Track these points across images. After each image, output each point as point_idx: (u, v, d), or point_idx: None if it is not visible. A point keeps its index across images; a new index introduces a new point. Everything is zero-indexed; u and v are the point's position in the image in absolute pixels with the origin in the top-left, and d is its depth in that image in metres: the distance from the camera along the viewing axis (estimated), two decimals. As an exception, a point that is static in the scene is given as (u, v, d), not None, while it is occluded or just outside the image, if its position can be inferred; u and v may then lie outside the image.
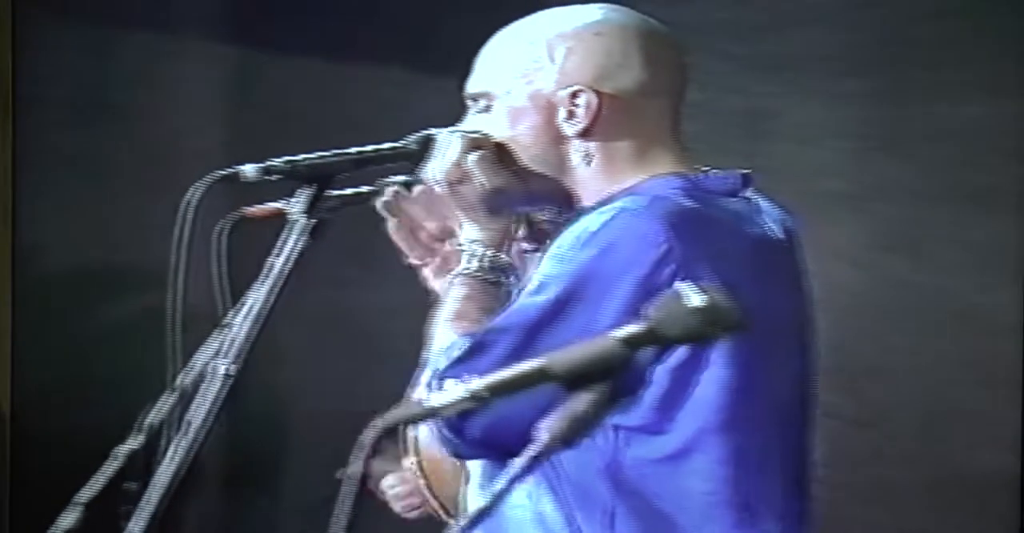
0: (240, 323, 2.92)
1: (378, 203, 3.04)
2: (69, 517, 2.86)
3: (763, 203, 3.05)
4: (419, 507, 3.24)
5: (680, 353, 2.73)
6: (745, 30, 4.86)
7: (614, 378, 2.41)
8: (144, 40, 5.23)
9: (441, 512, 3.15)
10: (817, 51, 4.96)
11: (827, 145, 4.88)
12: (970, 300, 4.92)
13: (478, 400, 2.40)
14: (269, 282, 2.93)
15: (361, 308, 4.45)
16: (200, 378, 2.91)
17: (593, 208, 2.97)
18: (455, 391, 2.43)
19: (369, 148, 3.03)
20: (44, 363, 5.53)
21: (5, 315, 5.56)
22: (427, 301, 3.06)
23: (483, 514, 2.38)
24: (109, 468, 2.88)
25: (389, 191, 3.03)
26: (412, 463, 3.19)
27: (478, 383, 2.40)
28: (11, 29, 5.16)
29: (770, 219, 3.04)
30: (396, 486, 3.24)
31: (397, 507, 3.24)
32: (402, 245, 3.07)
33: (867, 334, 4.53)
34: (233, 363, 2.89)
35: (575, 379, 2.40)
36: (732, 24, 4.79)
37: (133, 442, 2.88)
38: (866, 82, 4.95)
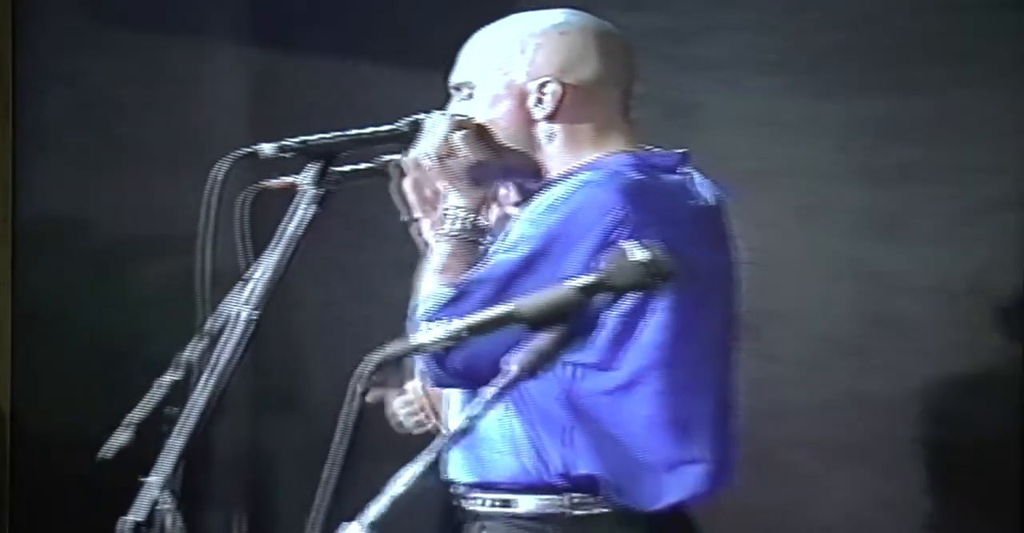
0: (260, 277, 2.91)
1: (404, 160, 3.02)
2: (123, 435, 2.84)
3: (697, 177, 3.05)
4: (426, 424, 3.22)
5: (627, 301, 2.72)
6: (681, 35, 4.85)
7: (571, 321, 2.42)
8: (159, 39, 5.08)
9: (442, 428, 3.13)
10: (739, 53, 4.96)
11: (746, 131, 4.88)
12: (863, 258, 4.94)
13: (458, 338, 2.41)
14: (284, 242, 2.93)
15: (368, 265, 4.45)
16: (227, 323, 2.88)
17: (558, 180, 2.98)
18: (439, 330, 2.43)
19: (368, 129, 3.03)
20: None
21: (5, 315, 5.12)
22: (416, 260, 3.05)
23: (463, 433, 2.38)
24: (154, 396, 2.85)
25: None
26: (418, 386, 3.18)
27: (459, 324, 2.41)
28: (11, 29, 4.92)
29: (704, 190, 3.04)
30: (405, 406, 3.22)
31: (408, 424, 3.22)
32: (412, 198, 3.04)
33: (779, 286, 4.54)
34: (255, 310, 2.88)
35: (539, 321, 2.41)
36: (671, 30, 4.78)
37: (173, 374, 2.86)
38: (779, 79, 4.95)
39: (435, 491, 2.99)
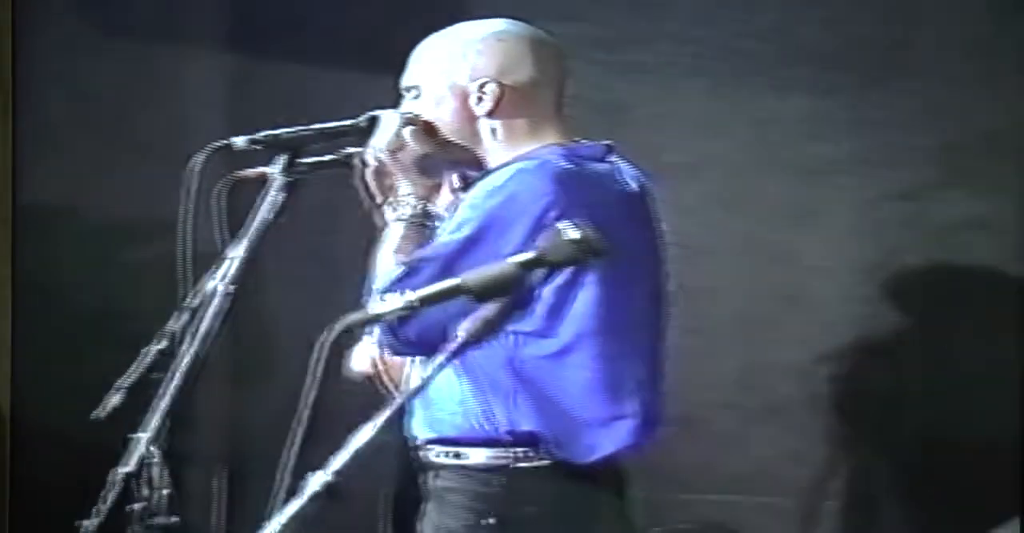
0: (235, 256, 2.90)
1: (364, 152, 3.01)
2: (115, 397, 2.82)
3: (623, 166, 3.06)
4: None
5: (562, 275, 2.74)
6: (611, 43, 4.85)
7: (513, 293, 2.43)
8: (146, 44, 4.97)
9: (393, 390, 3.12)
10: (664, 59, 4.95)
11: (670, 128, 4.88)
12: (777, 242, 4.95)
13: (411, 308, 2.43)
14: (256, 226, 2.92)
15: (333, 245, 4.43)
16: (206, 298, 2.87)
17: (497, 169, 2.99)
18: (395, 301, 2.44)
19: (331, 124, 3.02)
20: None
21: (5, 315, 4.87)
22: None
23: (416, 392, 2.40)
24: (142, 363, 2.83)
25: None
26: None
27: (412, 295, 2.44)
28: (11, 30, 4.79)
29: (629, 178, 3.05)
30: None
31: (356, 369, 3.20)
32: (373, 185, 3.04)
33: (701, 266, 4.54)
34: (231, 285, 2.87)
35: (484, 293, 2.42)
36: (602, 39, 4.78)
37: (159, 344, 2.85)
38: (700, 82, 4.95)
39: (397, 445, 3.02)
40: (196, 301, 2.88)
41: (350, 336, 2.65)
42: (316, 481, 2.26)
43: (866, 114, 4.95)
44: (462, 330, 2.40)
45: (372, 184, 3.02)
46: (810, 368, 4.91)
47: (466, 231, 2.86)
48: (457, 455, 2.95)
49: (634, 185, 3.04)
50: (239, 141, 2.94)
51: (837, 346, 4.99)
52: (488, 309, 2.40)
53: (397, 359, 3.01)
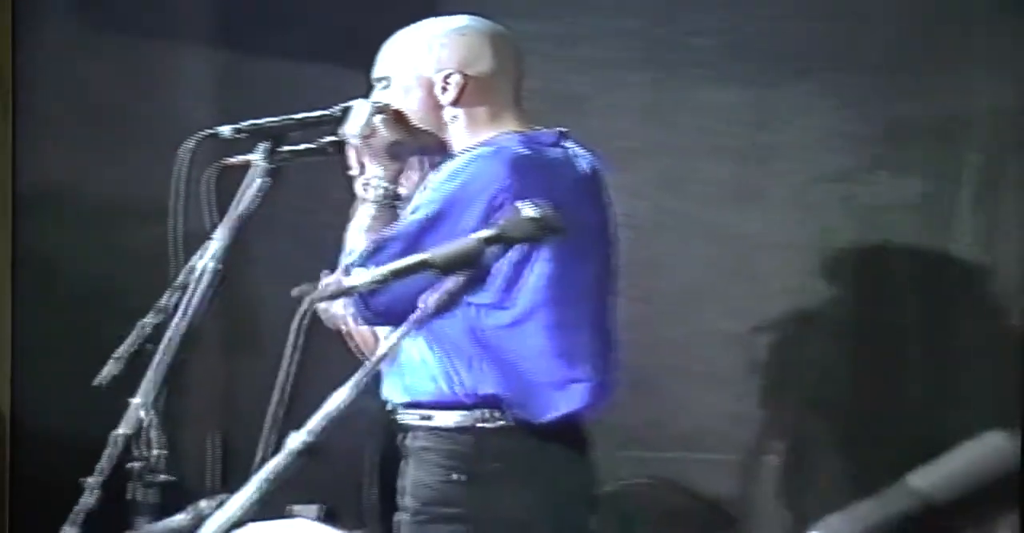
0: (222, 236, 2.90)
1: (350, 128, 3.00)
2: (113, 366, 2.83)
3: (577, 151, 3.06)
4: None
5: (518, 251, 2.74)
6: (568, 39, 4.84)
7: (474, 267, 2.44)
8: (142, 40, 4.90)
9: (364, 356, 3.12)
10: (617, 54, 4.95)
11: (622, 117, 4.87)
12: (722, 220, 4.95)
13: (382, 281, 2.43)
14: (241, 208, 2.92)
15: (314, 226, 4.42)
16: (196, 274, 2.87)
17: (459, 154, 3.00)
18: (366, 275, 2.46)
19: (308, 114, 3.01)
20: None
21: (5, 315, 4.64)
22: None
23: (383, 357, 2.40)
24: (138, 336, 2.83)
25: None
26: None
27: (382, 269, 2.45)
28: (11, 30, 4.67)
29: (582, 161, 3.06)
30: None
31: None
32: (352, 161, 3.03)
33: (651, 243, 4.55)
34: (219, 263, 2.87)
35: (448, 267, 2.42)
36: (559, 35, 4.76)
37: (154, 318, 2.85)
38: (650, 75, 4.95)
39: (376, 408, 3.03)
40: (187, 278, 2.88)
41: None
42: (294, 440, 2.27)
43: (802, 104, 4.97)
44: (427, 302, 2.41)
45: (353, 163, 3.02)
46: (750, 336, 4.94)
47: (428, 212, 2.87)
48: (427, 417, 2.97)
49: (586, 168, 3.05)
50: (225, 130, 2.94)
51: (774, 316, 5.03)
52: (452, 281, 2.41)
53: (366, 329, 3.00)
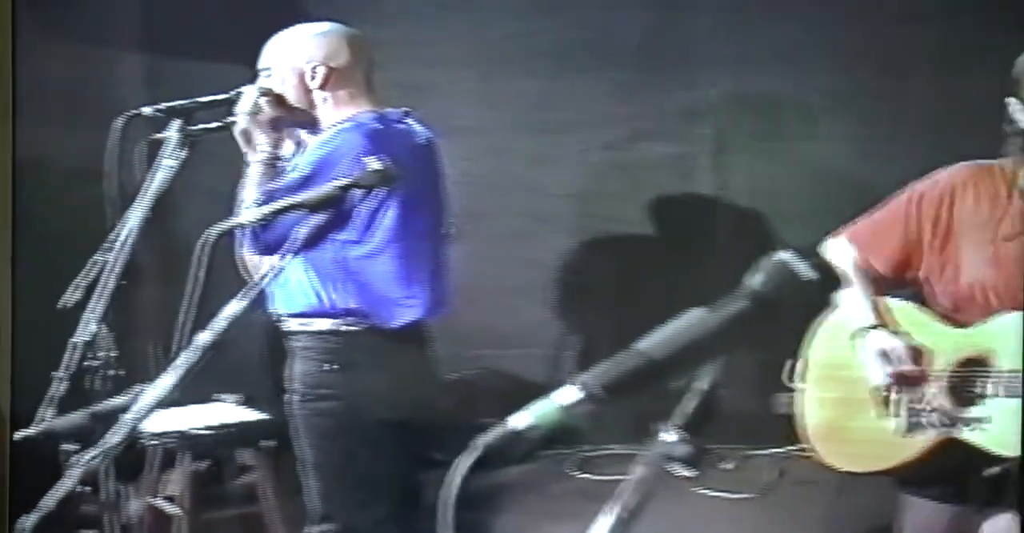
0: (149, 195, 2.79)
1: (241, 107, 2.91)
2: (74, 294, 2.70)
3: (417, 127, 3.03)
4: None
5: (374, 199, 2.71)
6: (414, 41, 4.83)
7: (334, 207, 2.43)
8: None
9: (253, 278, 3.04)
10: (450, 53, 4.99)
11: (458, 102, 4.89)
12: (530, 176, 5.06)
13: (266, 218, 2.43)
14: (160, 174, 2.81)
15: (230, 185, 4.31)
16: (127, 225, 2.76)
17: (326, 129, 2.95)
18: (255, 213, 2.43)
19: (212, 97, 2.92)
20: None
21: (5, 315, 4.00)
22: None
23: (267, 274, 2.37)
24: (90, 271, 2.72)
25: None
26: None
27: (267, 208, 2.46)
28: (11, 31, 4.35)
29: (421, 134, 3.02)
30: None
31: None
32: (241, 140, 2.95)
33: (476, 195, 4.47)
34: (148, 214, 2.76)
35: (314, 207, 2.41)
36: (407, 37, 4.73)
37: (101, 256, 2.72)
38: (475, 71, 5.03)
39: (268, 317, 2.99)
40: (124, 229, 2.79)
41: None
42: (200, 337, 2.25)
43: (583, 92, 5.05)
44: (300, 233, 2.40)
45: (240, 139, 2.97)
46: (551, 262, 5.01)
47: (304, 171, 2.82)
48: (307, 324, 2.94)
49: (423, 139, 3.02)
50: (146, 110, 2.85)
51: (567, 247, 5.12)
52: (317, 218, 2.40)
53: (255, 258, 2.94)
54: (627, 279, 4.85)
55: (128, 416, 2.23)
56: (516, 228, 5.05)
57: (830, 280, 1.35)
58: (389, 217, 2.84)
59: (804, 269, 1.34)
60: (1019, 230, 2.41)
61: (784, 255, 1.36)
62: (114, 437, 2.22)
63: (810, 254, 1.37)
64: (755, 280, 1.36)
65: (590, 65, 5.00)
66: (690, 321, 1.35)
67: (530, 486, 4.55)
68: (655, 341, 1.36)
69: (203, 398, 4.06)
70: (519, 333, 4.97)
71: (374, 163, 2.44)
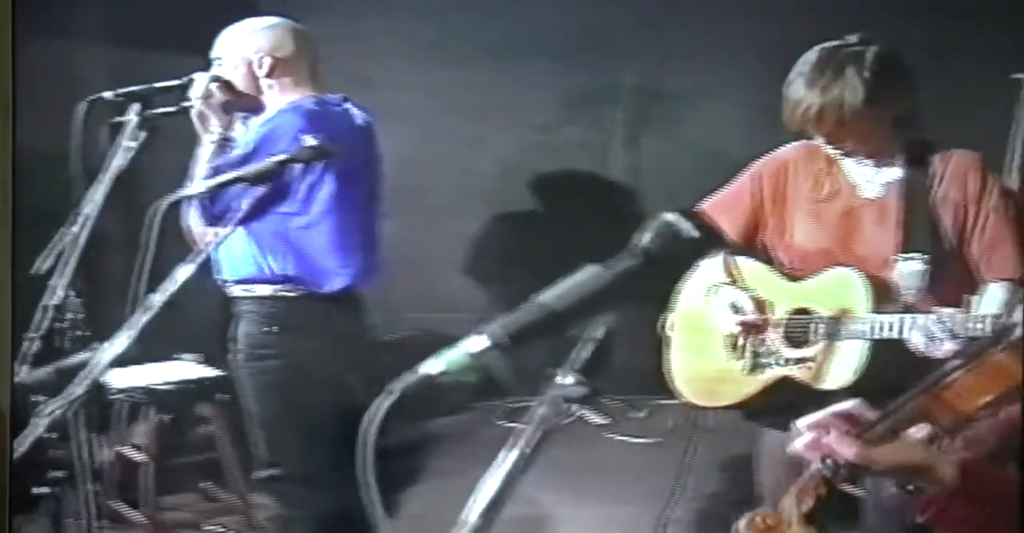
0: (114, 171, 2.70)
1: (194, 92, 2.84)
2: (44, 262, 2.60)
3: (355, 110, 2.98)
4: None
5: (312, 174, 2.67)
6: (359, 36, 4.76)
7: (273, 180, 2.40)
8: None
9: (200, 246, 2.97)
10: (394, 47, 4.94)
11: (396, 92, 4.81)
12: (460, 157, 5.04)
13: (212, 190, 2.40)
14: (119, 154, 2.71)
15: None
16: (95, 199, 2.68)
17: (271, 111, 2.90)
18: (204, 185, 2.38)
19: (168, 83, 2.83)
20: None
21: (5, 315, 4.00)
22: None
23: (212, 242, 2.33)
24: (60, 241, 2.62)
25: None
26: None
27: (212, 181, 2.43)
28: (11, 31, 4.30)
29: (358, 117, 2.97)
30: None
31: None
32: (196, 122, 2.88)
33: (414, 172, 4.49)
34: (110, 188, 2.65)
35: (255, 180, 2.37)
36: (352, 34, 4.65)
37: (67, 227, 2.63)
38: (419, 63, 5.02)
39: (215, 285, 2.94)
40: (88, 204, 2.71)
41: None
42: (154, 299, 2.19)
43: (515, 81, 5.04)
44: (244, 207, 2.35)
45: (196, 121, 2.90)
46: (479, 234, 4.98)
47: (246, 149, 2.77)
48: (250, 290, 2.89)
49: (361, 121, 2.97)
50: (107, 95, 2.77)
51: (491, 217, 5.15)
52: (258, 190, 2.36)
53: (199, 228, 2.87)
54: (545, 248, 4.83)
55: (89, 370, 2.18)
56: (448, 204, 5.04)
57: (710, 239, 1.34)
58: (326, 191, 2.80)
59: (687, 228, 1.33)
60: (835, 191, 2.54)
61: (669, 216, 1.35)
62: (77, 389, 2.18)
63: (693, 216, 1.35)
64: (643, 238, 1.35)
65: (522, 56, 4.99)
66: (586, 275, 1.34)
67: (460, 436, 4.56)
68: (554, 294, 1.34)
69: (165, 357, 4.02)
70: (451, 297, 4.95)
71: (310, 140, 2.41)
